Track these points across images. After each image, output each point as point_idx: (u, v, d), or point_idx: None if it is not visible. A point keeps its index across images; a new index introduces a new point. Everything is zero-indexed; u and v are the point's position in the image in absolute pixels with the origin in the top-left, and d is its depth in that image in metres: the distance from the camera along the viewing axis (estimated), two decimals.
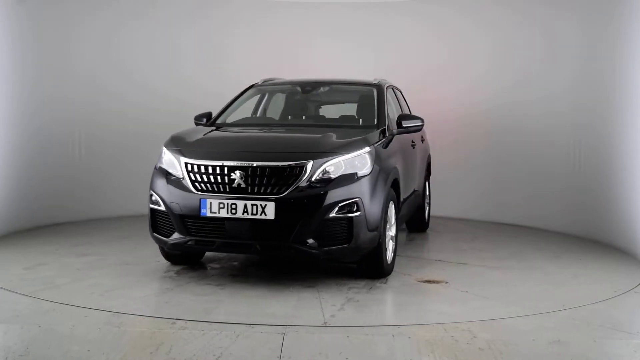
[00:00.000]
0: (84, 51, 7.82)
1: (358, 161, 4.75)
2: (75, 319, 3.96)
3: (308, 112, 6.35)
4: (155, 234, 4.99)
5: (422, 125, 5.72)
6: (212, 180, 4.68)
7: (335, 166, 4.66)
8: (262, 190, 4.56)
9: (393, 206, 5.20)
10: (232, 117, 6.15)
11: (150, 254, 5.65)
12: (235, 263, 5.63)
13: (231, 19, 8.66)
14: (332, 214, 4.55)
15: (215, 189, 4.66)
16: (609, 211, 6.66)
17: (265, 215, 4.51)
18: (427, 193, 7.51)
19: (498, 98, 8.17)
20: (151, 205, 4.97)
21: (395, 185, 5.27)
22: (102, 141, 7.88)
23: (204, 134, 5.30)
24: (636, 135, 6.15)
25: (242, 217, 4.54)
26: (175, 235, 4.79)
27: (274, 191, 4.55)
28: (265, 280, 5.03)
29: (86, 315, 4.03)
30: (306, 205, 4.53)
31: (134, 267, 5.37)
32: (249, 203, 4.52)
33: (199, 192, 4.67)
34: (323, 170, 4.62)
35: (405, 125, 5.60)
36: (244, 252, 5.06)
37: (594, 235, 6.93)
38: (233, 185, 4.61)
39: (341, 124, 5.82)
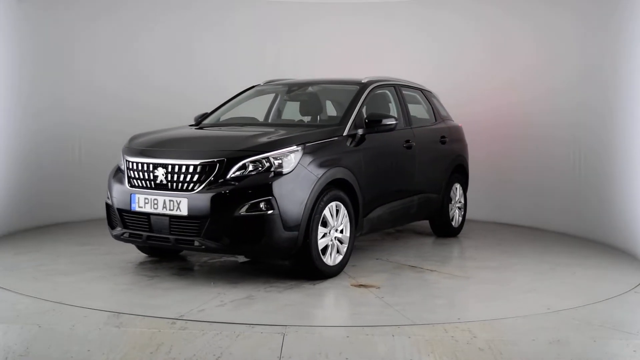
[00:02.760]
0: (83, 53, 7.84)
1: (280, 159, 4.73)
2: (75, 319, 3.96)
3: (293, 111, 6.41)
4: (108, 226, 5.28)
5: (394, 125, 5.55)
6: (141, 176, 4.92)
7: (253, 164, 4.67)
8: (179, 187, 4.72)
9: (343, 208, 5.12)
10: (229, 116, 6.23)
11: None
12: (205, 258, 5.77)
13: (235, 20, 8.65)
14: (242, 212, 4.56)
15: (143, 185, 4.91)
16: (609, 211, 6.66)
17: (180, 211, 4.67)
18: (457, 197, 7.17)
19: (496, 98, 8.18)
20: (106, 200, 5.28)
21: (346, 186, 5.16)
22: (101, 143, 7.89)
23: (155, 134, 5.44)
24: (636, 135, 6.15)
25: (162, 212, 4.74)
26: (118, 228, 5.10)
27: (189, 188, 4.67)
28: (203, 275, 5.17)
29: (86, 315, 4.04)
30: (215, 202, 4.58)
31: (108, 257, 5.75)
32: (167, 199, 4.73)
33: (131, 188, 4.95)
34: (240, 168, 4.65)
35: (372, 125, 5.48)
36: (165, 247, 5.19)
37: (594, 236, 6.93)
38: (157, 181, 4.80)
39: (310, 122, 5.95)
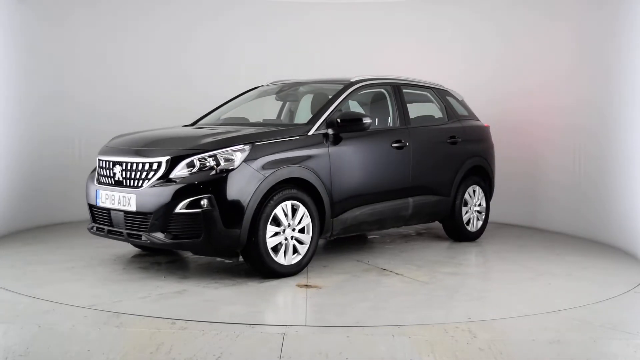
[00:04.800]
0: (84, 53, 7.85)
1: (225, 158, 4.79)
2: (75, 319, 3.96)
3: (284, 111, 6.47)
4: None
5: (367, 125, 5.42)
6: (103, 173, 5.21)
7: (200, 162, 4.77)
8: (131, 184, 4.94)
9: (303, 207, 5.08)
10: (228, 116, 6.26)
11: None
12: (189, 255, 5.89)
13: (237, 20, 8.64)
14: (182, 209, 4.68)
15: (105, 182, 5.18)
16: (609, 211, 6.65)
17: (130, 206, 4.88)
18: (475, 201, 6.85)
19: (496, 97, 8.19)
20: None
21: (308, 185, 5.15)
22: (100, 144, 7.87)
23: (131, 134, 5.59)
24: (636, 135, 6.15)
25: (118, 207, 4.98)
26: (90, 222, 5.41)
27: (138, 185, 4.89)
28: (165, 270, 5.31)
29: (86, 315, 4.04)
30: (157, 199, 4.75)
31: (101, 250, 6.00)
32: (121, 195, 4.97)
33: (97, 184, 5.25)
34: (188, 166, 4.77)
35: (344, 125, 5.38)
36: (121, 240, 5.27)
37: (594, 236, 6.93)
38: (115, 178, 5.06)
39: (284, 122, 6.12)
